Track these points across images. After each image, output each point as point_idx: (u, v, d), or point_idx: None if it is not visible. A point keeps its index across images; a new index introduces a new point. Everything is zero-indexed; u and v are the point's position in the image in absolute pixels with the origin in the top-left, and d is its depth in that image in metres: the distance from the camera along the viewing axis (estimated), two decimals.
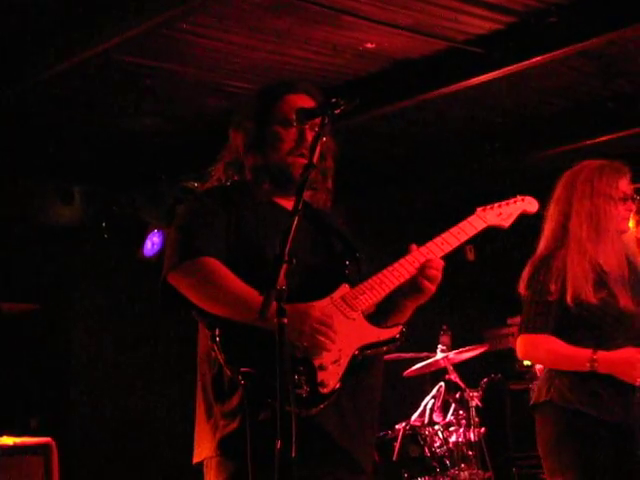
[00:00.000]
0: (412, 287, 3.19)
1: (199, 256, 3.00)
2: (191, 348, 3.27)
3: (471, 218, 3.42)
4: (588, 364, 4.07)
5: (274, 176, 3.23)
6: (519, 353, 4.42)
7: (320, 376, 2.97)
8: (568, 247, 4.21)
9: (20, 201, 7.06)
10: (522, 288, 4.31)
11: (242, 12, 5.35)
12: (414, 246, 3.23)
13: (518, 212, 3.58)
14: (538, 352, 4.34)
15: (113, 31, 5.27)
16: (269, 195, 3.26)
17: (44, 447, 4.87)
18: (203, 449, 3.06)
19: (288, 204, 3.12)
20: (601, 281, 4.14)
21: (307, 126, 3.18)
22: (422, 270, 3.17)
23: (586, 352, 4.10)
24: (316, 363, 2.97)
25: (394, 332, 3.15)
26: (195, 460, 3.12)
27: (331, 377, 2.99)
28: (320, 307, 3.03)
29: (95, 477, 7.03)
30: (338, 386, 2.99)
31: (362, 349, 3.08)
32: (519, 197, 3.63)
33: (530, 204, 3.64)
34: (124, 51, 5.63)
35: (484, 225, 3.43)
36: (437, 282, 3.18)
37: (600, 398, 4.09)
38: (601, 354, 4.07)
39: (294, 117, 3.16)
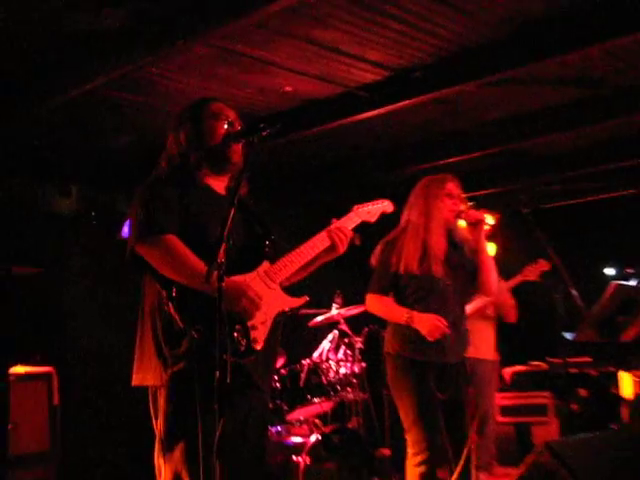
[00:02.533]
0: (327, 248, 3.34)
1: (161, 233, 3.00)
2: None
3: (352, 212, 3.56)
4: (404, 318, 4.34)
5: (213, 159, 3.22)
6: (366, 307, 4.71)
7: (253, 334, 3.05)
8: (407, 232, 4.46)
9: (32, 195, 7.20)
10: (373, 261, 4.58)
11: (195, 62, 5.39)
12: (334, 223, 3.38)
13: (380, 211, 3.71)
14: (375, 307, 4.59)
15: (100, 73, 5.28)
16: (205, 178, 3.24)
17: (47, 375, 4.94)
18: (149, 377, 3.05)
19: (220, 186, 3.29)
20: (425, 258, 4.36)
21: (241, 142, 3.19)
22: (337, 235, 3.33)
23: (404, 310, 4.36)
24: (249, 324, 3.05)
25: (302, 301, 3.27)
26: (136, 384, 3.12)
27: (260, 335, 3.08)
28: (249, 280, 3.08)
29: (85, 396, 7.13)
30: (266, 342, 3.10)
31: (281, 313, 3.20)
32: (381, 201, 3.74)
33: (388, 206, 3.77)
34: (109, 88, 5.65)
35: (360, 219, 3.57)
36: (344, 243, 3.35)
37: (419, 346, 4.33)
38: (414, 313, 4.33)
39: (234, 137, 3.19)
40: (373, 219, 3.68)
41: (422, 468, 4.27)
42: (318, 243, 3.31)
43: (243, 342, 3.02)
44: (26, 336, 6.34)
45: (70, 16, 4.66)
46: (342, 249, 3.35)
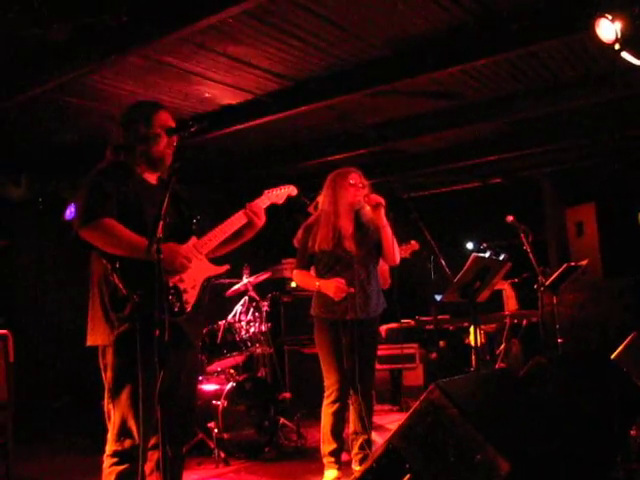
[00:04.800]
0: (248, 224, 3.32)
1: (100, 217, 2.95)
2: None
3: (263, 196, 3.54)
4: (316, 286, 4.37)
5: (152, 160, 3.17)
6: (293, 280, 4.75)
7: (185, 296, 3.06)
8: (321, 219, 4.46)
9: None
10: (296, 242, 4.58)
11: (130, 70, 5.30)
12: (248, 204, 3.34)
13: (286, 195, 3.69)
14: (298, 279, 4.61)
15: (49, 79, 5.14)
16: (142, 172, 3.19)
17: (3, 337, 4.70)
18: (99, 338, 3.01)
19: (153, 178, 3.22)
20: (336, 237, 4.37)
21: (174, 137, 3.16)
22: (252, 213, 3.30)
23: (315, 279, 4.40)
24: (181, 287, 3.05)
25: (224, 269, 3.27)
26: (89, 343, 3.06)
27: (191, 297, 3.09)
28: (183, 248, 3.07)
29: (36, 354, 7.03)
30: (195, 303, 3.10)
31: (207, 279, 3.19)
32: (287, 186, 3.72)
33: (293, 190, 3.74)
34: (56, 92, 5.48)
35: (269, 202, 3.54)
36: (261, 219, 3.32)
37: (330, 307, 4.35)
38: (322, 280, 4.36)
39: (166, 130, 3.14)
40: (281, 201, 3.67)
41: (333, 407, 4.33)
42: (236, 221, 3.30)
43: (177, 304, 3.02)
44: None
45: (23, 29, 4.52)
46: (259, 223, 3.34)
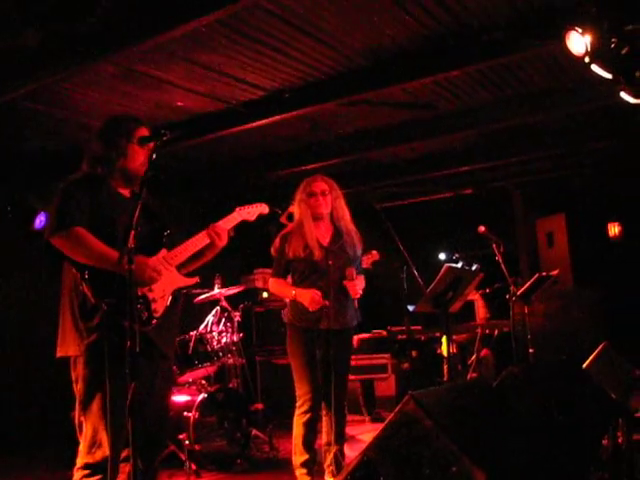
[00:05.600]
0: (210, 244, 3.33)
1: (71, 226, 2.95)
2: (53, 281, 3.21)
3: (235, 213, 3.57)
4: (291, 295, 4.35)
5: (127, 175, 3.19)
6: (269, 288, 4.70)
7: (153, 306, 3.08)
8: (295, 228, 4.46)
9: None
10: (273, 251, 4.54)
11: (101, 79, 5.28)
12: (211, 225, 3.36)
13: (258, 212, 3.73)
14: (273, 287, 4.55)
15: (20, 86, 5.10)
16: (115, 185, 3.19)
17: None
18: (69, 348, 2.99)
19: (125, 192, 3.22)
20: (308, 246, 4.35)
21: (146, 147, 3.15)
22: (214, 234, 3.31)
23: (291, 288, 4.37)
24: (150, 297, 3.08)
25: (193, 280, 3.32)
26: (60, 354, 3.04)
27: (159, 307, 3.12)
28: (152, 261, 3.09)
29: (4, 369, 6.91)
30: (163, 312, 3.13)
31: (177, 290, 3.23)
32: (259, 204, 3.76)
33: (264, 208, 3.79)
34: (26, 99, 5.45)
35: (240, 218, 3.57)
36: (222, 241, 3.33)
37: (304, 315, 4.31)
38: (298, 289, 4.33)
39: (138, 139, 3.15)
40: (252, 218, 3.70)
41: (305, 417, 4.29)
42: (200, 240, 3.32)
43: (145, 312, 3.04)
44: None
45: None
46: (220, 244, 3.36)
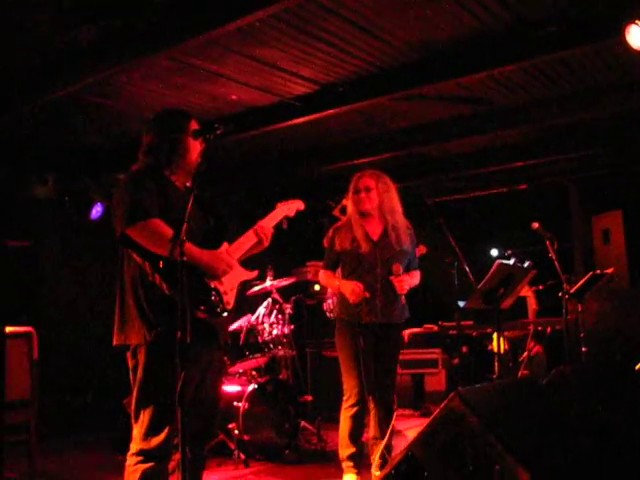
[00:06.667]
0: (256, 242, 3.34)
1: (150, 217, 2.95)
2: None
3: (277, 209, 3.60)
4: (336, 287, 4.43)
5: (184, 168, 3.19)
6: (319, 280, 4.76)
7: (225, 298, 3.11)
8: (346, 222, 4.52)
9: (17, 183, 7.06)
10: (325, 242, 4.59)
11: (157, 72, 5.34)
12: (258, 224, 3.39)
13: (295, 209, 3.73)
14: (322, 280, 4.67)
15: (78, 79, 5.19)
16: (172, 176, 3.19)
17: (28, 334, 4.77)
18: (131, 337, 3.00)
19: (178, 181, 3.22)
20: (355, 240, 4.40)
21: (200, 140, 3.16)
22: (262, 234, 3.33)
23: (337, 280, 4.46)
24: (221, 290, 3.10)
25: (255, 274, 3.40)
26: (118, 343, 3.04)
27: (231, 299, 3.15)
28: (225, 254, 3.13)
29: (59, 354, 7.02)
30: (234, 304, 3.18)
31: (241, 282, 3.28)
32: (296, 200, 3.76)
33: (300, 205, 3.78)
34: (84, 93, 5.55)
35: (283, 214, 3.61)
36: (268, 239, 3.35)
37: (350, 309, 4.36)
38: (342, 281, 4.40)
39: (192, 133, 3.15)
40: (292, 214, 3.72)
41: (351, 410, 4.31)
42: (250, 238, 3.35)
43: (220, 305, 3.08)
44: (10, 302, 6.15)
45: (53, 31, 4.58)
46: (266, 243, 3.39)
